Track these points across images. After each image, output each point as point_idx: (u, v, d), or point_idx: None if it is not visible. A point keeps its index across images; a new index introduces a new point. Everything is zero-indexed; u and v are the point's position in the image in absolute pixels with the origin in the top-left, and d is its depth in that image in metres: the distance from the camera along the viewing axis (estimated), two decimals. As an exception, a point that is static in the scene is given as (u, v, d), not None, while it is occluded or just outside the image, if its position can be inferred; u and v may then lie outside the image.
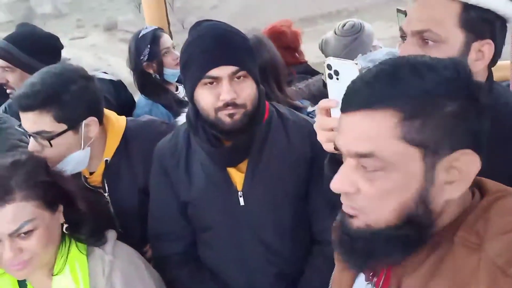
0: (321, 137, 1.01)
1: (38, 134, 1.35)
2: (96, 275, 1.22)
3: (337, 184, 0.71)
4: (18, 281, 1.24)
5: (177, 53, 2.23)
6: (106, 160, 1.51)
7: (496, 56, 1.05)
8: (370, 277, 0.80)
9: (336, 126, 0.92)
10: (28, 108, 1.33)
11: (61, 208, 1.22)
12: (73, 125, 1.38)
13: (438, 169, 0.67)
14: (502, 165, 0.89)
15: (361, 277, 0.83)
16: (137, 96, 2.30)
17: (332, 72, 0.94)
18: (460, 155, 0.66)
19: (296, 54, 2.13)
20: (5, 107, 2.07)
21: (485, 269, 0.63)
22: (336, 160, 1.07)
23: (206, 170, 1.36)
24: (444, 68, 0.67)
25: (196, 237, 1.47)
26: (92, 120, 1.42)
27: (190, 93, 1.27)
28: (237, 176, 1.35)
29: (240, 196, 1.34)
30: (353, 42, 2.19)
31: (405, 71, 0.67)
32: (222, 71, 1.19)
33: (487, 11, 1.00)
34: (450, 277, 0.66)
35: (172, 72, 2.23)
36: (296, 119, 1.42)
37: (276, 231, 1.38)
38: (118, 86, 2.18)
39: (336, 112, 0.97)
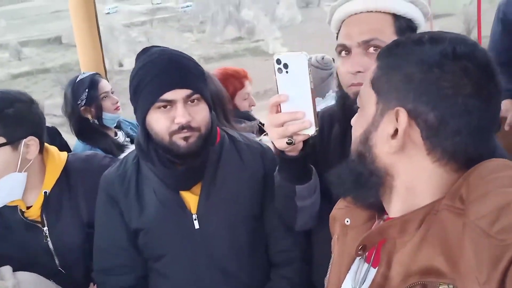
0: (273, 134, 1.03)
1: None
2: None
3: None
4: None
5: (116, 97, 2.22)
6: (45, 192, 1.41)
7: None
8: (360, 252, 0.81)
9: (286, 121, 1.00)
10: None
11: None
12: (13, 140, 1.32)
13: (385, 119, 0.75)
14: None
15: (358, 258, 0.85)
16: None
17: (281, 66, 0.97)
18: (397, 111, 0.73)
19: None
20: None
21: (469, 232, 0.63)
22: (286, 161, 1.11)
23: (158, 195, 1.32)
24: (431, 41, 0.74)
25: (148, 269, 1.38)
26: (32, 140, 1.36)
27: (142, 117, 1.26)
28: (191, 199, 1.32)
29: (195, 219, 1.31)
30: (329, 76, 2.28)
31: (407, 41, 0.77)
32: (177, 94, 1.20)
33: (410, 20, 1.19)
34: (438, 244, 0.68)
35: (111, 116, 2.20)
36: (247, 141, 1.44)
37: (233, 254, 1.34)
38: (52, 132, 2.10)
39: (286, 107, 1.00)
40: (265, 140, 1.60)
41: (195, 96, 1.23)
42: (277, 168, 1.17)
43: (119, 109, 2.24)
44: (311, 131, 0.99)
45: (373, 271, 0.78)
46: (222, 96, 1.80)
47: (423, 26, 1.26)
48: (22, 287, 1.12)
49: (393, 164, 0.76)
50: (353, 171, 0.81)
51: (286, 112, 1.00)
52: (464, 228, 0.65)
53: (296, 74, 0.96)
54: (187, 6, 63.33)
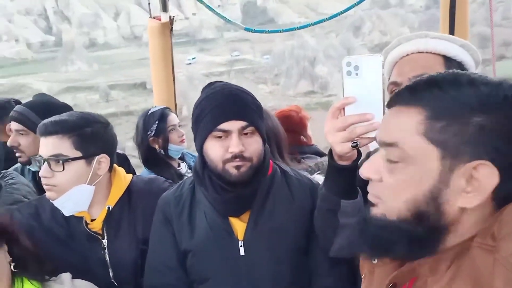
0: (336, 138, 1.03)
1: (55, 156, 1.42)
2: None
3: (364, 170, 0.79)
4: None
5: (182, 131, 2.37)
6: (109, 207, 1.53)
7: None
8: None
9: (353, 123, 1.00)
10: (52, 132, 1.43)
11: (4, 247, 1.21)
12: (88, 156, 1.46)
13: (456, 174, 0.69)
14: None
15: None
16: (139, 171, 2.37)
17: (351, 68, 0.97)
18: (478, 165, 0.68)
19: (302, 137, 2.24)
20: (19, 167, 2.12)
21: (499, 268, 0.63)
22: (336, 169, 1.12)
23: (209, 219, 1.38)
24: (485, 84, 0.70)
25: None
26: (104, 158, 1.50)
27: (200, 145, 1.34)
28: (239, 226, 1.36)
29: (241, 246, 1.34)
30: None
31: (446, 80, 0.73)
32: (232, 125, 1.27)
33: (460, 63, 1.23)
34: (469, 281, 0.67)
35: (176, 148, 2.33)
36: (298, 176, 1.48)
37: (275, 284, 1.35)
38: (122, 159, 2.26)
39: (351, 110, 0.99)
40: (318, 178, 1.62)
41: (250, 128, 1.29)
42: (323, 181, 1.19)
43: (184, 141, 2.37)
44: None
45: None
46: (277, 131, 1.86)
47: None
48: None
49: (462, 216, 0.72)
50: (406, 231, 0.73)
51: (351, 115, 1.00)
52: (494, 264, 0.65)
53: (367, 75, 0.96)
54: (267, 58, 65.80)
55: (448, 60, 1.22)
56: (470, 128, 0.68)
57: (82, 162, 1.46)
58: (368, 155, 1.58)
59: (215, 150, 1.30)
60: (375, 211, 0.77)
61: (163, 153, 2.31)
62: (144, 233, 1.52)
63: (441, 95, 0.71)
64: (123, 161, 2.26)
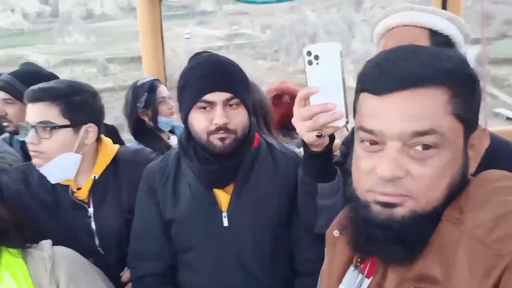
0: (302, 127, 1.03)
1: (43, 123, 1.42)
2: (38, 273, 1.19)
3: (390, 170, 0.67)
4: None
5: (172, 103, 2.36)
6: (94, 176, 1.54)
7: None
8: (358, 264, 0.81)
9: (316, 113, 0.98)
10: (40, 99, 1.43)
11: None
12: (75, 124, 1.47)
13: (468, 145, 0.71)
14: None
15: (351, 268, 0.84)
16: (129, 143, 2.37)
17: (312, 57, 0.95)
18: (479, 132, 0.72)
19: None
20: (7, 137, 2.12)
21: (464, 240, 0.64)
22: (310, 156, 1.12)
23: (193, 190, 1.39)
24: (453, 53, 0.72)
25: (177, 259, 1.45)
26: (92, 127, 1.51)
27: (185, 116, 1.34)
28: (223, 197, 1.38)
29: (225, 217, 1.36)
30: None
31: (432, 52, 0.70)
32: (217, 96, 1.26)
33: (447, 37, 1.22)
34: (435, 255, 0.67)
35: (166, 120, 2.33)
36: (284, 149, 1.48)
37: (257, 255, 1.38)
38: (111, 130, 2.25)
39: (316, 100, 0.99)
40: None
41: (235, 100, 1.29)
42: (301, 164, 1.20)
43: (174, 114, 2.36)
44: (342, 122, 0.98)
45: (367, 282, 0.79)
46: (264, 104, 1.87)
47: (463, 47, 1.26)
48: (57, 259, 1.22)
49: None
50: (435, 219, 0.69)
51: (315, 104, 0.99)
52: (460, 236, 0.65)
53: (327, 65, 0.95)
54: (267, 33, 64.56)
55: (434, 34, 1.21)
56: (476, 97, 0.71)
57: (69, 130, 1.46)
58: (346, 140, 1.58)
59: (199, 121, 1.29)
60: (402, 212, 0.68)
61: (153, 125, 2.31)
62: (130, 202, 1.53)
63: (450, 68, 0.68)
64: (112, 133, 2.25)
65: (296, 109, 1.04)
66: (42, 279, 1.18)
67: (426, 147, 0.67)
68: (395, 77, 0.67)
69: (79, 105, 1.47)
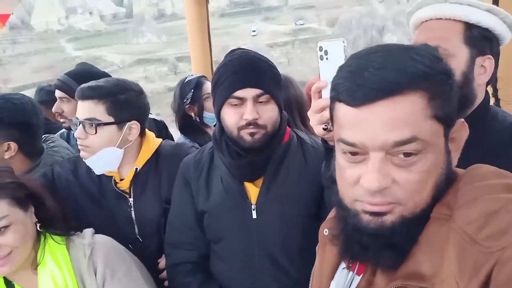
0: (313, 120, 1.05)
1: (89, 120, 1.53)
2: (78, 259, 1.30)
3: (376, 182, 0.66)
4: (5, 282, 1.31)
5: None
6: (136, 168, 1.63)
7: (494, 73, 1.16)
8: (350, 265, 0.81)
9: (324, 107, 1.00)
10: (88, 97, 1.53)
11: (32, 208, 1.30)
12: (120, 121, 1.56)
13: (449, 140, 0.70)
14: None
15: (342, 265, 0.84)
16: (176, 137, 2.47)
17: (322, 53, 0.99)
18: (459, 125, 0.71)
19: None
20: (65, 132, 2.31)
21: (454, 237, 0.64)
22: (326, 149, 1.14)
23: (224, 183, 1.44)
24: (424, 51, 0.69)
25: (210, 249, 1.51)
26: (135, 124, 1.59)
27: (218, 111, 1.38)
28: (253, 190, 1.41)
29: (253, 210, 1.39)
30: None
31: (403, 54, 0.67)
32: (247, 92, 1.29)
33: (486, 30, 1.14)
34: (424, 251, 0.67)
35: (211, 116, 2.37)
36: (315, 143, 1.49)
37: (285, 248, 1.40)
38: (159, 125, 2.37)
39: (326, 93, 1.01)
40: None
41: (265, 96, 1.31)
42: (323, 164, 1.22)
43: None
44: None
45: (357, 279, 0.79)
46: (301, 100, 1.87)
47: (508, 38, 1.18)
48: (96, 246, 1.32)
49: None
50: (425, 218, 0.69)
51: (326, 98, 1.01)
52: (449, 232, 0.65)
53: (335, 60, 0.98)
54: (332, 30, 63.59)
55: (470, 27, 1.14)
56: (453, 92, 0.69)
57: (113, 127, 1.55)
58: None
59: (230, 117, 1.33)
60: (392, 218, 0.68)
61: (198, 120, 2.38)
62: (168, 193, 1.60)
63: (423, 71, 0.65)
64: (162, 128, 2.37)
65: (312, 103, 1.07)
66: (81, 265, 1.29)
67: (408, 154, 0.66)
68: (369, 88, 0.65)
69: (123, 103, 1.56)
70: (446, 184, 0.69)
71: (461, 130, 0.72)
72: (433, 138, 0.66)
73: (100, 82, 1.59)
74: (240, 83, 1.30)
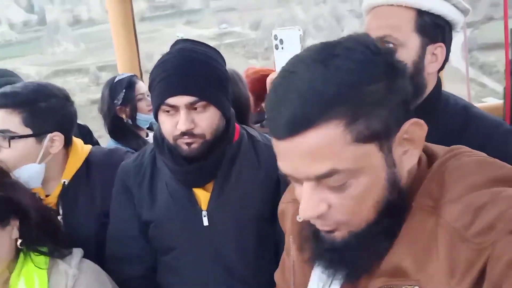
0: None
1: (2, 132, 1.31)
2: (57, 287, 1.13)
3: (309, 211, 0.65)
4: None
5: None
6: (64, 182, 1.43)
7: (446, 60, 1.15)
8: None
9: None
10: (1, 105, 1.32)
11: (15, 223, 1.13)
12: (38, 133, 1.35)
13: (393, 149, 0.65)
14: None
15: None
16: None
17: (278, 42, 0.96)
18: (407, 127, 0.65)
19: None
20: None
21: (444, 234, 0.62)
22: None
23: (170, 189, 1.30)
24: (352, 51, 0.63)
25: (157, 261, 1.37)
26: (58, 136, 1.39)
27: (155, 115, 1.26)
28: (203, 195, 1.29)
29: (204, 216, 1.28)
30: None
31: (317, 75, 0.61)
32: (180, 100, 1.16)
33: (438, 17, 1.11)
34: (406, 245, 0.66)
35: (145, 117, 2.23)
36: (266, 141, 1.39)
37: (240, 254, 1.30)
38: (83, 130, 2.19)
39: None
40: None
41: (201, 103, 1.18)
42: None
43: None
44: None
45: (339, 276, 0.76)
46: (243, 99, 1.82)
47: (460, 24, 1.16)
48: (81, 278, 1.15)
49: (409, 179, 0.71)
50: (379, 229, 0.68)
51: None
52: (437, 228, 0.63)
53: (290, 49, 0.95)
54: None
55: (421, 15, 1.10)
56: (382, 104, 0.62)
57: (31, 140, 1.35)
58: None
59: (165, 125, 1.22)
60: (340, 235, 0.69)
61: (131, 123, 2.21)
62: (104, 206, 1.43)
63: (344, 93, 0.60)
64: (85, 133, 2.18)
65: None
66: None
67: (337, 185, 0.63)
68: (282, 125, 0.62)
69: (44, 112, 1.35)
70: (397, 190, 0.67)
71: (414, 130, 0.66)
72: (361, 162, 0.62)
73: (17, 87, 1.37)
74: (170, 90, 1.17)
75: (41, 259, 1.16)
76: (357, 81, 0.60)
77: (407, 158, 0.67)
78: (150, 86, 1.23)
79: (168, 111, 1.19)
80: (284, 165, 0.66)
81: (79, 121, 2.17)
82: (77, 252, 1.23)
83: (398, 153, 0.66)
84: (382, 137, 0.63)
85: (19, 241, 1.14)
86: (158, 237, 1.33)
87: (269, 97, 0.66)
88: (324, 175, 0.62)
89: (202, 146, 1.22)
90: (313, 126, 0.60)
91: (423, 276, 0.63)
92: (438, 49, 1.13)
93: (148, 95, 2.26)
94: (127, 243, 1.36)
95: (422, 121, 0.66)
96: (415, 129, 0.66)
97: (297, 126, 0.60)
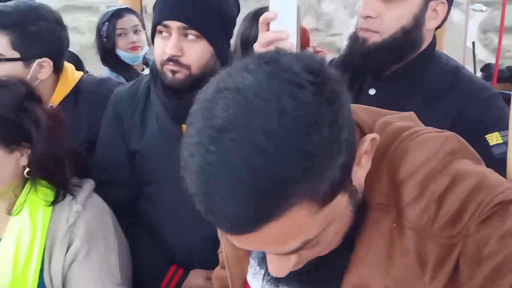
0: (258, 51, 1.04)
1: None
2: (58, 221, 1.11)
3: (281, 274, 0.60)
4: None
5: (134, 37, 2.14)
6: (51, 106, 1.42)
7: (445, 18, 1.16)
8: None
9: (270, 40, 1.00)
10: None
11: (26, 150, 1.08)
12: (26, 57, 1.33)
13: (352, 175, 0.58)
14: (437, 118, 0.94)
15: None
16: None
17: None
18: (365, 147, 0.58)
19: None
20: None
21: (408, 233, 0.60)
22: None
23: (160, 123, 1.32)
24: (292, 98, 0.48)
25: (139, 192, 1.40)
26: (47, 62, 1.37)
27: (152, 38, 1.27)
28: None
29: None
30: None
31: (255, 147, 0.47)
32: (173, 23, 1.17)
33: None
34: (367, 250, 0.63)
35: (126, 55, 2.14)
36: None
37: None
38: (75, 59, 2.13)
39: (274, 26, 1.02)
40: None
41: (192, 31, 1.18)
42: None
43: (137, 49, 2.15)
44: None
45: None
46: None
47: None
48: (82, 217, 1.13)
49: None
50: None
51: (273, 31, 1.02)
52: (398, 229, 0.61)
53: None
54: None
55: None
56: (342, 141, 0.51)
57: (19, 64, 1.33)
58: None
59: (157, 47, 1.23)
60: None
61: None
62: (88, 134, 1.44)
63: (298, 176, 0.48)
64: (74, 61, 2.11)
65: (259, 33, 1.05)
66: (58, 231, 1.11)
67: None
68: (237, 224, 0.50)
69: (34, 36, 1.32)
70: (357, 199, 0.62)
71: (372, 148, 0.59)
72: (331, 217, 0.56)
73: (8, 7, 1.33)
74: (167, 12, 1.19)
75: (48, 193, 1.12)
76: (305, 146, 0.48)
77: (363, 167, 0.60)
78: (154, 5, 1.23)
79: (161, 32, 1.20)
80: (249, 248, 0.57)
81: (86, 64, 2.13)
82: (87, 186, 1.20)
83: (355, 171, 0.58)
84: (344, 180, 0.55)
85: (27, 169, 1.10)
86: (142, 167, 1.35)
87: (199, 176, 0.52)
88: (295, 250, 0.55)
89: (186, 79, 1.21)
90: (274, 218, 0.49)
91: (391, 281, 0.60)
92: (439, 5, 1.13)
93: (135, 31, 2.16)
94: (112, 168, 1.36)
95: (376, 136, 0.59)
96: (373, 146, 0.59)
97: (257, 222, 0.49)
